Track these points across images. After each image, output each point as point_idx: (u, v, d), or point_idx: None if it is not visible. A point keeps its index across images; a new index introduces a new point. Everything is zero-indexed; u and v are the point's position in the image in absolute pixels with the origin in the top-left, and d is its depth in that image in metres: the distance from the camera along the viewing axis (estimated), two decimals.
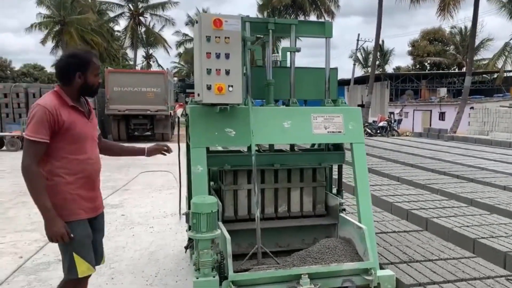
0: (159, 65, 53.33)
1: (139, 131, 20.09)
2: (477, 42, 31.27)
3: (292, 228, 3.90)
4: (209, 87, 3.20)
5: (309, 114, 3.63)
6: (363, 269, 3.22)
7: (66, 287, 2.77)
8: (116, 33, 47.31)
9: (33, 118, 2.51)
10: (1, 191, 8.27)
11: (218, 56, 3.22)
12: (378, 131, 22.97)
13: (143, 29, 45.98)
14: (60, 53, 40.07)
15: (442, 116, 31.98)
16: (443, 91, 36.11)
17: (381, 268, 3.42)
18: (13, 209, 6.92)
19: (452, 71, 45.27)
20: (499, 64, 30.78)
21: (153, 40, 46.75)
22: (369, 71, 32.31)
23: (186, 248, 4.44)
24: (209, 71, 3.20)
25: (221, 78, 3.23)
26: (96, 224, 2.85)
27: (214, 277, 2.96)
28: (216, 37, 3.20)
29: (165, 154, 3.52)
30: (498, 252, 4.04)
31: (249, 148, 4.17)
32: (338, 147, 4.12)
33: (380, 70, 45.92)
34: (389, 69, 51.95)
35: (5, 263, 4.52)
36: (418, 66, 49.83)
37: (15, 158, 13.37)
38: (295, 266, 3.24)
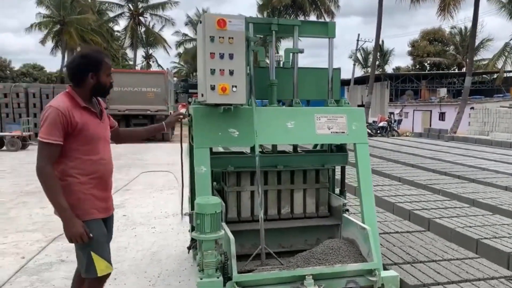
0: (159, 65, 53.38)
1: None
2: (477, 42, 31.26)
3: (295, 228, 3.89)
4: (213, 87, 3.19)
5: (313, 114, 3.63)
6: (367, 270, 3.21)
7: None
8: (115, 33, 47.35)
9: (46, 120, 2.51)
10: (2, 191, 8.26)
11: (222, 56, 3.21)
12: (378, 131, 22.98)
13: (143, 29, 46.02)
14: (59, 53, 40.18)
15: (442, 116, 32.00)
16: (443, 91, 36.12)
17: (385, 269, 3.41)
18: (14, 209, 6.91)
19: (452, 71, 45.29)
20: (499, 65, 30.82)
21: (153, 40, 46.82)
22: (369, 71, 32.35)
23: (189, 248, 4.44)
24: (213, 71, 3.19)
25: (225, 79, 3.22)
26: (107, 225, 2.86)
27: (218, 278, 2.95)
28: (220, 37, 3.19)
29: (180, 121, 3.57)
30: (502, 253, 4.04)
31: (252, 148, 4.18)
32: (341, 148, 4.12)
33: (380, 70, 45.93)
34: (388, 69, 52.02)
35: (7, 263, 4.51)
36: (418, 66, 49.86)
37: (15, 158, 13.37)
38: (299, 267, 3.23)
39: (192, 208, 4.35)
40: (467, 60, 26.56)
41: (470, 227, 4.80)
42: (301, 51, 3.85)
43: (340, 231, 3.84)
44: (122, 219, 6.27)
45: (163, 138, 19.69)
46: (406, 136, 22.70)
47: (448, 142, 16.94)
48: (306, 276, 3.05)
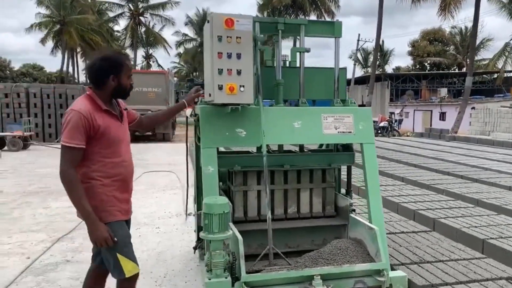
0: (159, 65, 53.41)
1: (140, 131, 20.06)
2: (477, 42, 31.26)
3: (301, 229, 3.88)
4: (220, 87, 3.19)
5: (319, 114, 3.62)
6: (375, 270, 3.20)
7: None
8: (115, 33, 47.35)
9: (68, 124, 2.49)
10: (5, 192, 8.24)
11: (229, 56, 3.20)
12: (379, 131, 22.96)
13: (143, 29, 46.01)
14: (60, 53, 40.16)
15: (442, 116, 32.00)
16: (443, 91, 36.14)
17: (392, 269, 3.40)
18: (18, 209, 6.89)
19: (452, 71, 45.30)
20: (499, 65, 30.81)
21: (153, 40, 46.80)
22: (369, 71, 32.35)
23: (195, 248, 4.43)
24: (220, 71, 3.19)
25: (233, 78, 3.21)
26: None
27: (226, 278, 2.94)
28: (227, 37, 3.18)
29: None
30: (508, 253, 4.03)
31: (259, 148, 4.17)
32: (347, 148, 4.11)
33: (380, 70, 45.93)
34: (388, 69, 52.03)
35: (12, 263, 4.50)
36: (418, 66, 49.87)
37: (16, 158, 13.36)
38: (307, 267, 3.22)
39: (198, 208, 4.35)
40: (468, 60, 26.56)
41: (475, 227, 4.79)
42: (308, 50, 3.83)
43: (347, 231, 3.83)
44: None
45: (164, 138, 19.71)
46: (407, 136, 22.70)
47: (450, 142, 16.93)
48: (315, 276, 3.04)
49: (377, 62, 38.66)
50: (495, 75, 37.39)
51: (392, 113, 31.89)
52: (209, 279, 2.93)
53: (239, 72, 3.22)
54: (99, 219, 2.56)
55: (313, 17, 38.50)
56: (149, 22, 45.69)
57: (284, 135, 3.54)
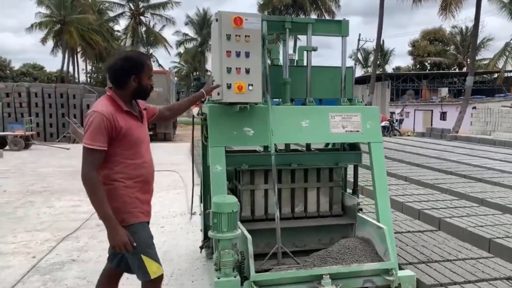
0: (159, 65, 53.28)
1: None
2: (478, 42, 31.26)
3: (309, 228, 3.87)
4: (229, 86, 3.18)
5: (327, 113, 3.61)
6: (384, 269, 3.20)
7: None
8: (116, 32, 47.31)
9: (90, 126, 2.46)
10: (8, 191, 8.23)
11: (238, 54, 3.20)
12: None
13: (144, 29, 45.96)
14: (60, 52, 40.13)
15: (443, 116, 31.99)
16: (444, 91, 36.12)
17: (400, 268, 3.39)
18: (22, 208, 6.88)
19: (453, 71, 45.30)
20: (500, 64, 30.82)
21: (153, 39, 46.72)
22: (369, 71, 32.33)
23: (201, 248, 4.43)
24: (229, 70, 3.18)
25: (241, 77, 3.21)
26: None
27: (235, 277, 2.94)
28: (236, 35, 3.18)
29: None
30: None
31: (265, 147, 4.17)
32: (354, 147, 4.10)
33: (380, 70, 45.94)
34: (389, 69, 52.03)
35: (18, 263, 4.50)
36: (418, 66, 49.86)
37: (18, 158, 13.35)
38: (315, 266, 3.21)
39: (205, 207, 4.35)
40: (469, 60, 26.56)
41: (481, 226, 4.79)
42: (315, 49, 3.83)
43: (354, 231, 3.83)
44: None
45: (165, 137, 19.70)
46: (408, 135, 22.70)
47: (451, 141, 16.92)
48: (324, 276, 3.04)
49: (377, 62, 38.71)
50: (496, 75, 37.39)
51: (392, 112, 31.92)
52: (218, 278, 2.93)
53: (247, 71, 3.22)
54: (122, 220, 2.53)
55: (313, 16, 38.50)
56: (150, 22, 45.68)
57: (291, 134, 3.54)
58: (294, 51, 4.16)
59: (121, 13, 44.02)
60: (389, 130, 22.85)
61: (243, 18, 3.20)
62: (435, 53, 46.59)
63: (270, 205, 3.86)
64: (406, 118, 32.04)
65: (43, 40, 39.35)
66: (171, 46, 48.57)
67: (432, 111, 33.66)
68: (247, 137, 3.45)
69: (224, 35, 3.16)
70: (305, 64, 3.92)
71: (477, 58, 37.22)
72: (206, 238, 4.41)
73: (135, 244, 2.53)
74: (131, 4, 43.84)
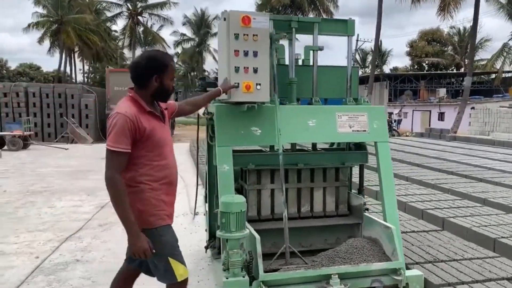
0: None
1: None
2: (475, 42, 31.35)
3: (315, 227, 3.87)
4: (237, 85, 3.17)
5: (334, 112, 3.61)
6: (392, 269, 3.19)
7: None
8: (113, 32, 47.22)
9: (114, 128, 2.40)
10: (8, 191, 8.20)
11: (246, 54, 3.19)
12: None
13: (141, 29, 45.86)
14: (57, 53, 40.00)
15: (441, 116, 32.04)
16: (442, 92, 36.20)
17: (407, 268, 3.39)
18: (22, 209, 6.85)
19: (451, 71, 45.39)
20: (498, 65, 30.89)
21: (151, 39, 46.60)
22: (367, 71, 32.35)
23: (206, 248, 4.41)
24: (237, 69, 3.17)
25: (249, 76, 3.20)
26: None
27: (243, 277, 2.93)
28: (244, 34, 3.17)
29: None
30: None
31: (271, 147, 4.16)
32: (359, 146, 4.09)
33: (378, 70, 46.00)
34: (386, 69, 52.10)
35: (21, 263, 4.47)
36: (416, 66, 49.94)
37: (17, 158, 13.31)
38: (323, 266, 3.21)
39: (210, 207, 4.33)
40: (467, 60, 26.61)
41: (486, 226, 4.79)
42: (321, 49, 3.83)
43: (360, 230, 3.82)
44: None
45: None
46: (407, 136, 22.72)
47: (450, 142, 16.95)
48: (332, 275, 3.03)
49: (375, 62, 38.77)
50: (493, 76, 37.48)
51: (390, 113, 31.95)
52: (227, 278, 2.91)
53: (255, 70, 3.21)
54: (148, 223, 2.50)
55: (311, 16, 38.50)
56: (147, 22, 45.58)
57: (299, 133, 3.53)
58: (283, 53, 4.10)
59: (119, 13, 43.93)
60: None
61: (251, 17, 3.19)
62: (433, 54, 46.67)
63: (276, 205, 3.85)
64: (404, 119, 32.08)
65: (40, 40, 39.23)
66: (169, 46, 48.52)
67: (430, 111, 33.71)
68: (254, 136, 3.44)
69: (232, 34, 3.15)
70: (310, 63, 3.92)
71: (475, 58, 37.34)
72: (211, 238, 4.40)
73: (157, 249, 2.50)
74: (128, 4, 43.75)
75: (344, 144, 4.22)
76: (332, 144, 4.48)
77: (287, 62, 3.82)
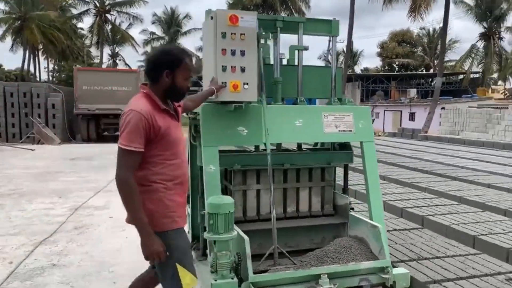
0: (126, 64, 52.33)
1: (109, 131, 19.74)
2: None
3: (301, 228, 3.85)
4: (224, 85, 3.12)
5: (320, 112, 3.60)
6: (379, 267, 3.21)
7: None
8: (79, 30, 46.17)
9: (127, 126, 2.30)
10: None
11: (233, 53, 3.13)
12: None
13: (110, 27, 44.93)
14: (21, 50, 38.80)
15: (412, 116, 32.68)
16: (413, 92, 36.96)
17: (393, 266, 3.41)
18: None
19: (420, 72, 46.39)
20: (466, 66, 31.77)
21: (119, 38, 45.79)
22: None
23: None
24: (224, 68, 3.12)
25: (237, 76, 3.15)
26: None
27: (232, 279, 2.88)
28: (231, 33, 3.11)
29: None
30: (500, 249, 4.12)
31: (257, 147, 4.12)
32: (344, 146, 4.10)
33: (350, 71, 46.62)
34: (357, 70, 52.84)
35: None
36: (386, 67, 50.84)
37: None
38: (312, 266, 3.19)
39: (193, 209, 4.25)
40: (438, 61, 27.22)
41: (464, 224, 4.88)
42: (306, 48, 3.82)
43: (346, 230, 3.83)
44: (110, 221, 6.08)
45: None
46: (379, 136, 23.07)
47: (423, 141, 17.32)
48: (321, 275, 3.01)
49: (348, 63, 39.28)
50: (462, 76, 38.52)
51: None
52: (215, 280, 2.86)
53: (243, 69, 3.16)
54: (160, 225, 2.42)
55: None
56: (116, 20, 44.70)
57: (285, 133, 3.50)
58: (268, 52, 4.06)
59: (86, 11, 42.89)
60: None
61: (239, 16, 3.14)
62: (403, 55, 47.64)
63: (262, 205, 3.81)
64: (376, 119, 32.59)
65: (1, 37, 37.98)
66: (138, 45, 47.77)
67: (401, 111, 34.34)
68: (240, 136, 3.39)
69: (219, 33, 3.09)
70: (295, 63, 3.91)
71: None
72: (194, 239, 4.32)
73: (167, 253, 2.42)
74: (96, 1, 42.81)
75: (329, 144, 4.22)
76: (316, 144, 4.48)
77: (272, 62, 3.80)
